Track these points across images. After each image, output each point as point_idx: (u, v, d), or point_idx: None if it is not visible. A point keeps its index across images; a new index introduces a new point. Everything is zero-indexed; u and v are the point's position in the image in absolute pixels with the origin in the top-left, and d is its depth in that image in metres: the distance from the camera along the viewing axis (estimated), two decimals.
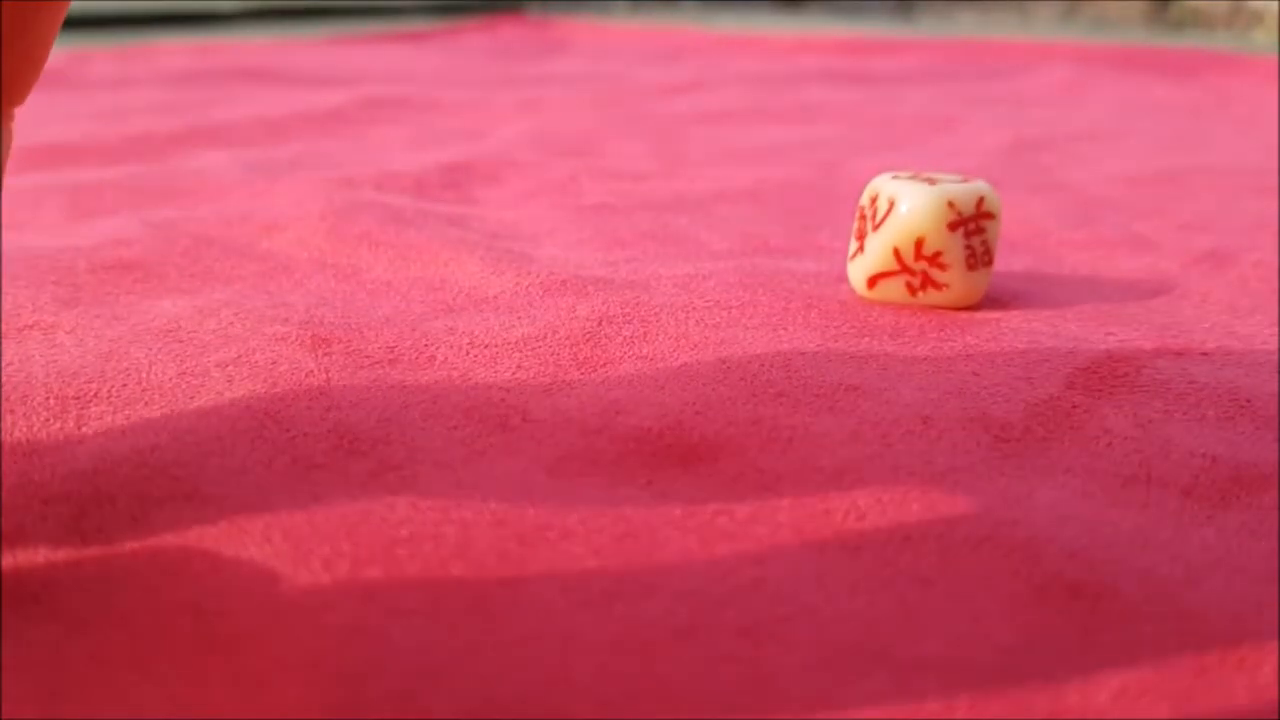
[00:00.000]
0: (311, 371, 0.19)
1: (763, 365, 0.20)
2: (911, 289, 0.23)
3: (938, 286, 0.23)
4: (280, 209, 0.30)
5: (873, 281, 0.23)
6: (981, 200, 0.23)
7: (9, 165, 0.38)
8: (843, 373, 0.19)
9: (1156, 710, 0.11)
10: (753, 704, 0.12)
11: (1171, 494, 0.16)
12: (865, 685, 0.12)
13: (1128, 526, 0.15)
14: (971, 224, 0.23)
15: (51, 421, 0.18)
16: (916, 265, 0.23)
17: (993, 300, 0.24)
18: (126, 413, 0.18)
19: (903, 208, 0.23)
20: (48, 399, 0.19)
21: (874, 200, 0.23)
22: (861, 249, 0.24)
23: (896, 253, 0.23)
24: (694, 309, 0.22)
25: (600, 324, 0.22)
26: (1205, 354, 0.21)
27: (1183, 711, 0.11)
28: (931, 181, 0.23)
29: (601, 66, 0.75)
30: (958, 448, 0.17)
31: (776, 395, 0.18)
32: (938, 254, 0.23)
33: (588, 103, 0.56)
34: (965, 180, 0.23)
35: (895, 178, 0.23)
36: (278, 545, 0.14)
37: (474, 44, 0.90)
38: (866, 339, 0.21)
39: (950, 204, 0.22)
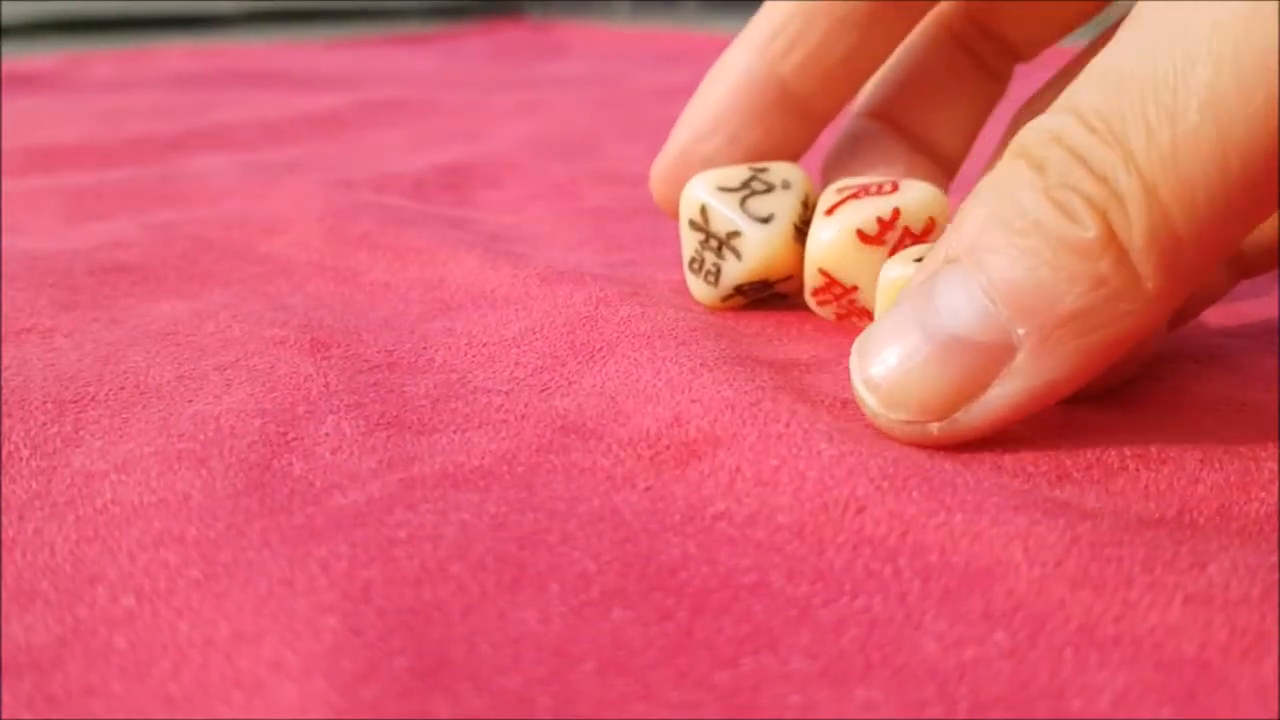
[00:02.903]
0: (310, 375, 0.19)
1: (761, 365, 0.20)
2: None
3: None
4: (279, 211, 0.30)
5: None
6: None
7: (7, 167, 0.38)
8: (842, 374, 0.19)
9: (1160, 711, 0.11)
10: (752, 706, 0.11)
11: (1171, 501, 0.16)
12: (866, 686, 0.12)
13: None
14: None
15: (49, 425, 0.18)
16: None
17: None
18: (124, 416, 0.18)
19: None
20: (45, 402, 0.19)
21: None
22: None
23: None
24: (693, 309, 0.22)
25: (597, 306, 0.22)
26: (1209, 356, 0.21)
27: (1185, 712, 0.11)
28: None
29: (601, 69, 0.75)
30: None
31: (775, 389, 0.18)
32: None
33: (587, 105, 0.56)
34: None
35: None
36: (275, 547, 0.14)
37: (473, 47, 0.90)
38: None
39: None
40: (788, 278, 0.22)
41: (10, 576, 0.14)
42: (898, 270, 0.19)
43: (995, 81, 0.24)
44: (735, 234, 0.21)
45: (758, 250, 0.21)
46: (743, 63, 0.22)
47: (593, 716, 0.11)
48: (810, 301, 0.22)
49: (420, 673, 0.12)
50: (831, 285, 0.21)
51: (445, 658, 0.12)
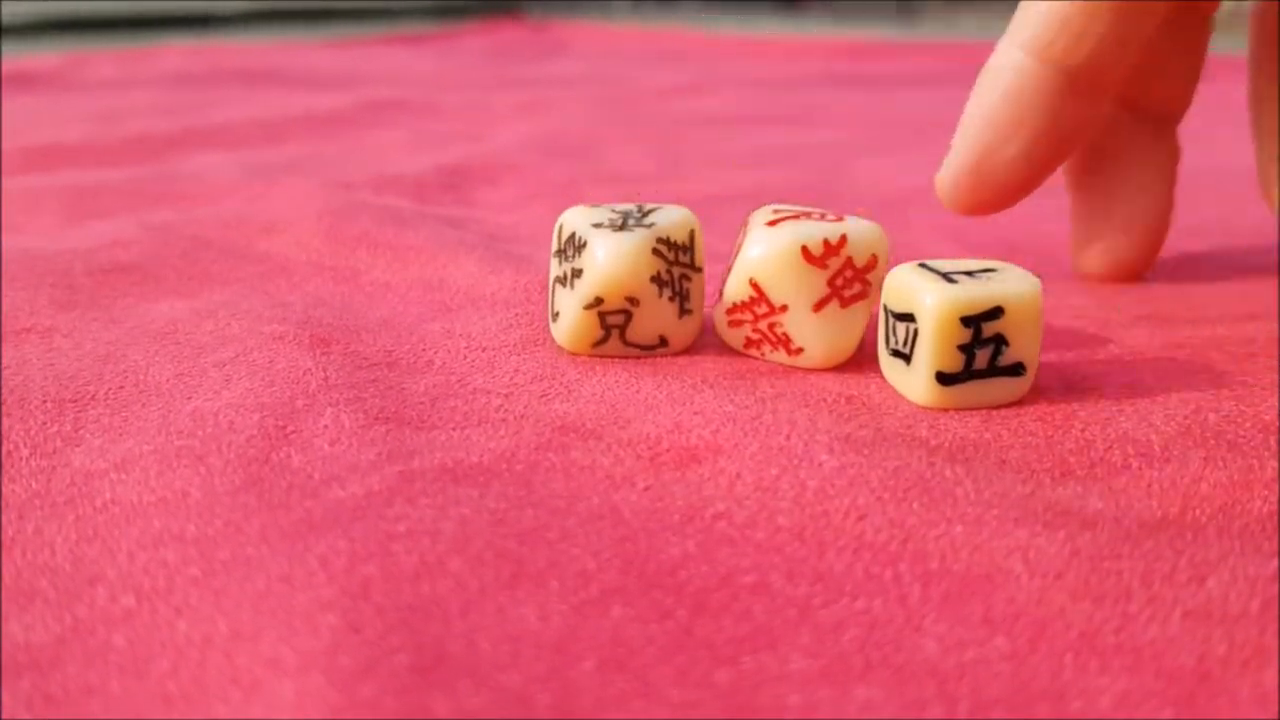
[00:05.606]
0: (309, 369, 0.19)
1: (763, 374, 0.20)
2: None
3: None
4: (278, 211, 0.30)
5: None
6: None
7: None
8: (841, 376, 0.19)
9: (1161, 713, 0.11)
10: (752, 704, 0.11)
11: (1174, 499, 0.16)
12: (866, 686, 0.12)
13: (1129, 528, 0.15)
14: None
15: (49, 424, 0.18)
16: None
17: None
18: (124, 414, 0.18)
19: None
20: (44, 402, 0.19)
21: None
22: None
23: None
24: None
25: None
26: (1212, 350, 0.21)
27: (1185, 713, 0.11)
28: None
29: (601, 68, 0.75)
30: (960, 449, 0.17)
31: (775, 396, 0.18)
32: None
33: (587, 105, 0.56)
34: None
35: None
36: (274, 543, 0.14)
37: (472, 46, 0.90)
38: (864, 345, 0.21)
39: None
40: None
41: (10, 576, 0.14)
42: (905, 276, 0.18)
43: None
44: None
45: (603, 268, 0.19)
46: (1026, 69, 0.23)
47: (592, 714, 0.11)
48: (721, 322, 0.20)
49: (419, 669, 0.12)
50: (757, 302, 0.19)
51: (444, 654, 0.12)
